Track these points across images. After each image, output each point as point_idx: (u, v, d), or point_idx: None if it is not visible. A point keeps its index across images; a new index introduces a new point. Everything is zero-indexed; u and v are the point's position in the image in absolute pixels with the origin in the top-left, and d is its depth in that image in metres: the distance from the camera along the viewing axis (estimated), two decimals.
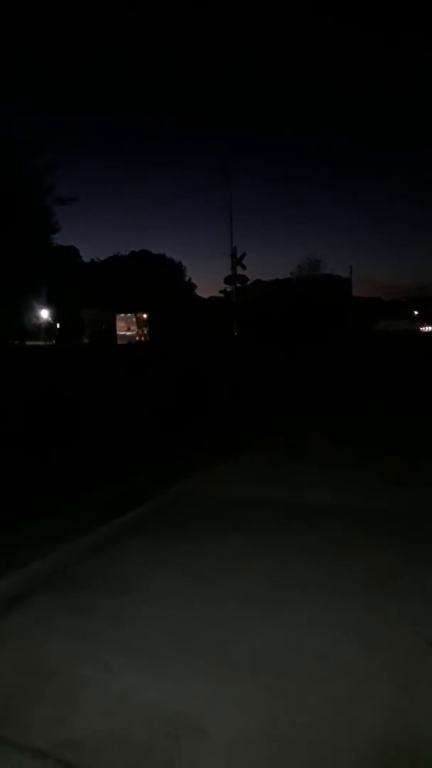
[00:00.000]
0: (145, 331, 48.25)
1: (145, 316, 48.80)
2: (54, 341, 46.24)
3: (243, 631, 2.56)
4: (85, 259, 56.04)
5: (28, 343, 40.49)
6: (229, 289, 33.31)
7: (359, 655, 2.37)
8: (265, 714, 2.02)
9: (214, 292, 50.93)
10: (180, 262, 62.26)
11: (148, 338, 46.79)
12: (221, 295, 36.69)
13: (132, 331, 48.95)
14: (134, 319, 49.33)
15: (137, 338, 47.76)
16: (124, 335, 47.93)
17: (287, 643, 2.46)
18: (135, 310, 48.64)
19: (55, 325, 48.38)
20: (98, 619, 2.69)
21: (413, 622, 2.58)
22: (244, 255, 30.65)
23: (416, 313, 71.77)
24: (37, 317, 43.39)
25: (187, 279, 63.20)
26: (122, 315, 48.98)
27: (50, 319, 46.29)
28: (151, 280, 51.80)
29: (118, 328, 48.77)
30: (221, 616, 2.69)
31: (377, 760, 1.81)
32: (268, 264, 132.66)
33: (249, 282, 34.80)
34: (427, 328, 60.79)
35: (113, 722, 2.00)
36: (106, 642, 2.49)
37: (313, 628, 2.57)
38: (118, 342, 45.37)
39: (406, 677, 2.21)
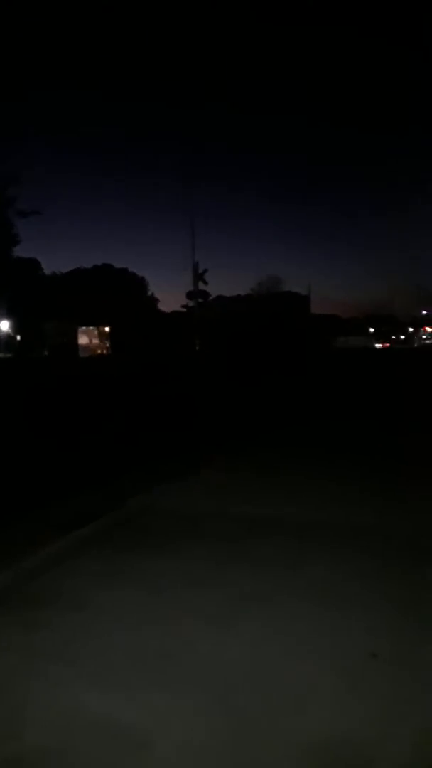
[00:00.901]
0: (107, 344, 48.16)
1: (107, 329, 48.72)
2: (11, 354, 45.51)
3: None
4: (47, 271, 55.59)
5: None
6: (191, 304, 33.71)
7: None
8: (210, 727, 2.06)
9: (177, 307, 51.34)
10: (143, 277, 62.44)
11: (110, 351, 46.70)
12: (183, 309, 37.05)
13: (94, 344, 48.77)
14: (96, 332, 49.16)
15: (99, 351, 47.59)
16: (87, 347, 47.69)
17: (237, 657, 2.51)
18: (97, 323, 48.50)
19: (15, 337, 47.67)
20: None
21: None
22: (205, 271, 31.13)
23: (372, 330, 74.32)
24: None
25: (149, 293, 63.43)
26: (84, 328, 48.74)
27: (10, 330, 45.62)
28: (114, 294, 51.74)
29: (80, 340, 48.49)
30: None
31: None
32: (231, 280, 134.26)
33: (211, 297, 35.28)
34: (379, 344, 63.12)
35: (61, 736, 2.01)
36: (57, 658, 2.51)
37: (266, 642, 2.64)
38: (80, 354, 45.09)
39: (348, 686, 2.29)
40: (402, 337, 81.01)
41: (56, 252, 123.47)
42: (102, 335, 48.94)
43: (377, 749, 1.96)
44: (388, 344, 67.88)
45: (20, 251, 42.34)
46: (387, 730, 2.05)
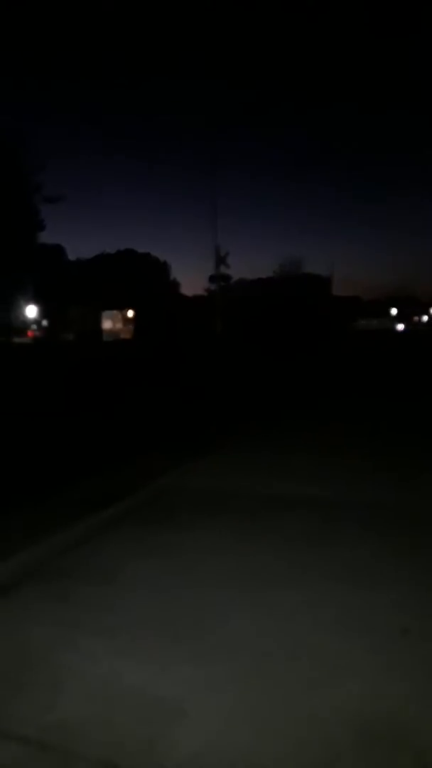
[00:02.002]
0: (131, 328, 49.07)
1: (130, 313, 49.59)
2: (35, 338, 46.66)
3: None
4: (71, 257, 56.55)
5: (15, 340, 41.04)
6: (212, 288, 34.25)
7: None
8: (245, 696, 2.08)
9: (199, 290, 51.87)
10: (165, 261, 62.96)
11: (133, 335, 47.61)
12: (205, 293, 37.56)
13: (117, 328, 49.74)
14: (120, 317, 50.05)
15: (123, 335, 48.55)
16: (111, 332, 48.68)
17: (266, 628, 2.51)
18: (121, 308, 49.39)
19: (41, 322, 48.90)
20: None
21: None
22: (227, 254, 31.61)
23: (394, 312, 73.69)
24: (24, 314, 43.94)
25: (172, 278, 63.99)
26: (108, 312, 49.69)
27: (37, 316, 46.83)
28: (137, 279, 52.43)
29: (104, 324, 49.49)
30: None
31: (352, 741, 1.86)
32: (253, 262, 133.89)
33: (233, 280, 35.78)
34: (401, 326, 62.58)
35: (95, 708, 2.04)
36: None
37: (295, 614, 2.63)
38: (104, 339, 46.08)
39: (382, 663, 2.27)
40: (425, 318, 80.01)
41: (80, 238, 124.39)
42: (126, 319, 49.82)
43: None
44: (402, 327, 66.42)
45: (45, 237, 43.22)
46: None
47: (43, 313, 47.39)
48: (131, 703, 2.04)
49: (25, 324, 43.65)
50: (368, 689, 2.09)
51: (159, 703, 2.04)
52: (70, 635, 2.47)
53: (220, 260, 33.35)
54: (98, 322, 49.09)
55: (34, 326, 46.92)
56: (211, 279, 33.01)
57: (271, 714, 1.98)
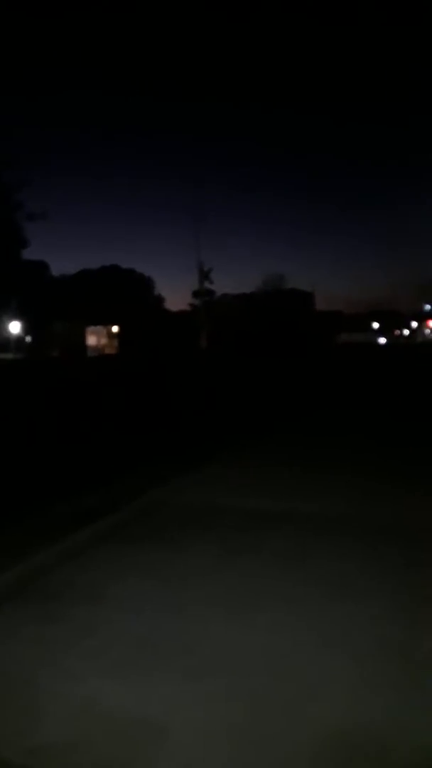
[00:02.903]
0: (116, 344, 49.10)
1: (115, 328, 49.65)
2: (22, 355, 46.40)
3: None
4: (55, 273, 56.56)
5: None
6: (197, 303, 34.55)
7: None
8: (228, 715, 2.08)
9: (183, 306, 52.18)
10: (149, 277, 63.27)
11: (118, 350, 47.63)
12: (189, 308, 37.90)
13: (102, 343, 49.75)
14: (104, 332, 50.10)
15: (107, 351, 48.54)
16: (95, 347, 48.66)
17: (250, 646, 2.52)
18: (105, 323, 49.44)
19: (25, 339, 48.68)
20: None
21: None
22: (210, 270, 31.99)
23: (376, 326, 74.77)
24: (7, 331, 43.73)
25: (156, 293, 64.28)
26: (92, 328, 49.67)
27: (20, 332, 46.62)
28: (121, 294, 52.56)
29: (88, 340, 49.45)
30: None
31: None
32: (236, 277, 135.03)
33: (216, 296, 36.10)
34: (382, 340, 63.61)
35: (78, 728, 2.03)
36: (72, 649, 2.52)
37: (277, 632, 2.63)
38: (89, 354, 46.02)
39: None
40: (406, 332, 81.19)
41: (63, 254, 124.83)
42: (110, 335, 49.87)
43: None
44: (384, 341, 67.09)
45: (28, 254, 43.22)
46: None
47: (27, 329, 47.21)
48: (114, 724, 2.04)
49: (8, 340, 43.40)
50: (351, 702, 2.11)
51: (141, 723, 2.04)
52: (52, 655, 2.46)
53: (204, 276, 33.58)
54: (82, 338, 49.05)
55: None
56: (195, 294, 33.21)
57: (254, 734, 1.98)
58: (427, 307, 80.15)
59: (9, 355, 42.10)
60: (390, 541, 3.78)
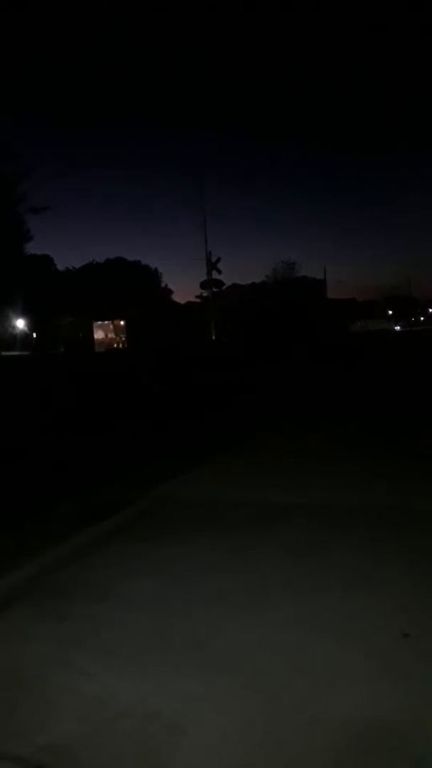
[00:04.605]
0: (123, 338, 48.05)
1: (122, 323, 48.59)
2: (28, 352, 45.69)
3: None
4: (60, 267, 55.72)
5: (3, 353, 39.97)
6: (205, 294, 33.41)
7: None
8: (242, 712, 2.05)
9: (191, 297, 51.05)
10: (156, 269, 62.28)
11: (126, 345, 46.62)
12: (198, 300, 36.76)
13: (109, 338, 48.70)
14: (111, 327, 49.07)
15: (115, 345, 47.54)
16: (102, 342, 47.67)
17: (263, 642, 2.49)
18: (112, 318, 48.41)
19: (31, 335, 47.87)
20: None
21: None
22: (219, 259, 30.80)
23: (391, 312, 73.11)
24: (13, 327, 42.89)
25: (163, 285, 63.23)
26: (99, 322, 48.70)
27: (26, 328, 45.79)
28: (128, 287, 51.67)
29: (95, 335, 48.48)
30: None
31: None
32: (245, 268, 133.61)
33: (225, 286, 34.94)
34: (397, 327, 62.08)
35: (91, 726, 2.01)
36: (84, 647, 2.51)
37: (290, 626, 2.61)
38: (96, 350, 45.11)
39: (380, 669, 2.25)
40: (422, 319, 79.31)
41: (69, 247, 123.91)
42: (117, 329, 48.82)
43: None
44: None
45: (32, 248, 42.38)
46: None
47: (32, 325, 46.36)
48: (126, 720, 2.04)
49: (14, 337, 42.59)
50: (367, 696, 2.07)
51: (155, 720, 2.03)
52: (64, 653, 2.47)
53: (212, 266, 32.44)
54: (89, 333, 48.13)
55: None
56: (203, 285, 32.08)
57: (270, 731, 1.97)
58: None
59: (14, 353, 41.31)
60: None
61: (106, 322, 48.82)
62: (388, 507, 4.20)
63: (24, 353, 43.66)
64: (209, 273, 31.27)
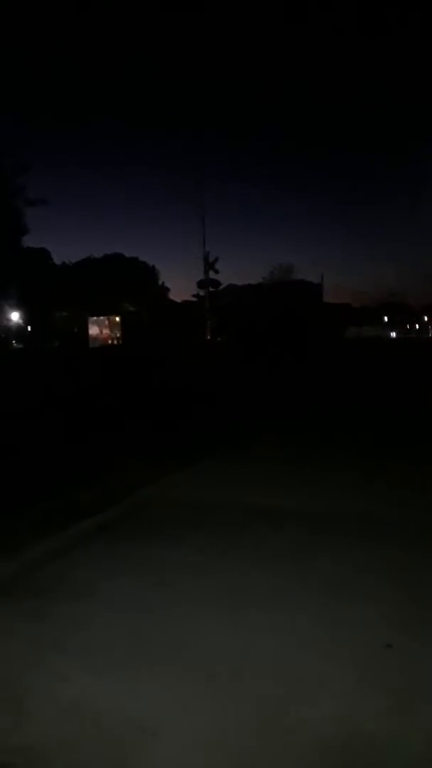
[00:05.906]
0: (118, 335, 47.87)
1: (117, 319, 48.41)
2: (22, 345, 45.48)
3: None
4: (57, 261, 55.35)
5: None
6: (202, 293, 33.31)
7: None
8: (217, 717, 2.03)
9: (188, 296, 50.94)
10: (153, 266, 62.03)
11: (121, 342, 46.46)
12: (194, 298, 36.70)
13: (105, 334, 48.51)
14: (107, 323, 48.87)
15: (110, 341, 47.37)
16: (97, 338, 47.47)
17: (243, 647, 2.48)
18: (108, 313, 48.22)
19: (26, 328, 47.63)
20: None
21: None
22: (216, 259, 30.74)
23: (386, 319, 73.27)
24: (7, 320, 42.67)
25: (160, 282, 63.05)
26: (95, 318, 48.48)
27: (20, 321, 45.55)
28: (125, 283, 51.48)
29: (90, 331, 48.26)
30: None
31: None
32: (243, 268, 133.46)
33: (222, 286, 34.88)
34: (393, 333, 62.29)
35: (65, 728, 1.99)
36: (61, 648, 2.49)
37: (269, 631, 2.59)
38: (90, 345, 44.94)
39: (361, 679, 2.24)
40: (417, 326, 79.44)
41: (66, 242, 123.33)
42: (113, 325, 48.61)
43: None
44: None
45: (30, 241, 42.17)
46: None
47: (28, 318, 46.12)
48: (100, 723, 2.01)
49: (8, 330, 42.38)
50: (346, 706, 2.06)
51: (129, 723, 2.01)
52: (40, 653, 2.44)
53: (209, 266, 32.34)
54: (84, 329, 47.92)
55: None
56: (200, 284, 31.96)
57: (245, 734, 1.94)
58: None
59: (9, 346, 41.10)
60: None
61: (102, 317, 48.61)
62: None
63: (18, 346, 43.49)
64: (206, 272, 31.20)
